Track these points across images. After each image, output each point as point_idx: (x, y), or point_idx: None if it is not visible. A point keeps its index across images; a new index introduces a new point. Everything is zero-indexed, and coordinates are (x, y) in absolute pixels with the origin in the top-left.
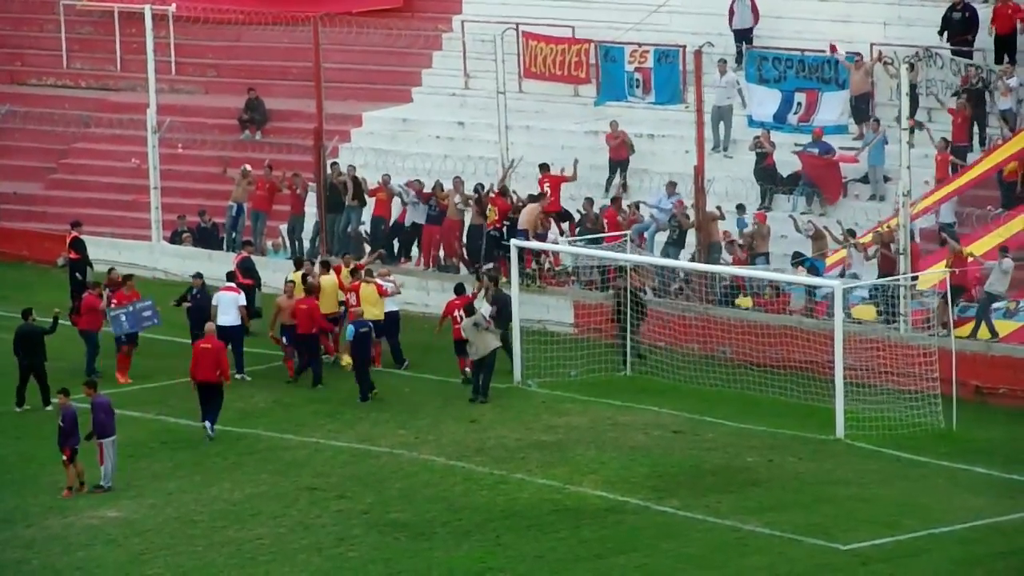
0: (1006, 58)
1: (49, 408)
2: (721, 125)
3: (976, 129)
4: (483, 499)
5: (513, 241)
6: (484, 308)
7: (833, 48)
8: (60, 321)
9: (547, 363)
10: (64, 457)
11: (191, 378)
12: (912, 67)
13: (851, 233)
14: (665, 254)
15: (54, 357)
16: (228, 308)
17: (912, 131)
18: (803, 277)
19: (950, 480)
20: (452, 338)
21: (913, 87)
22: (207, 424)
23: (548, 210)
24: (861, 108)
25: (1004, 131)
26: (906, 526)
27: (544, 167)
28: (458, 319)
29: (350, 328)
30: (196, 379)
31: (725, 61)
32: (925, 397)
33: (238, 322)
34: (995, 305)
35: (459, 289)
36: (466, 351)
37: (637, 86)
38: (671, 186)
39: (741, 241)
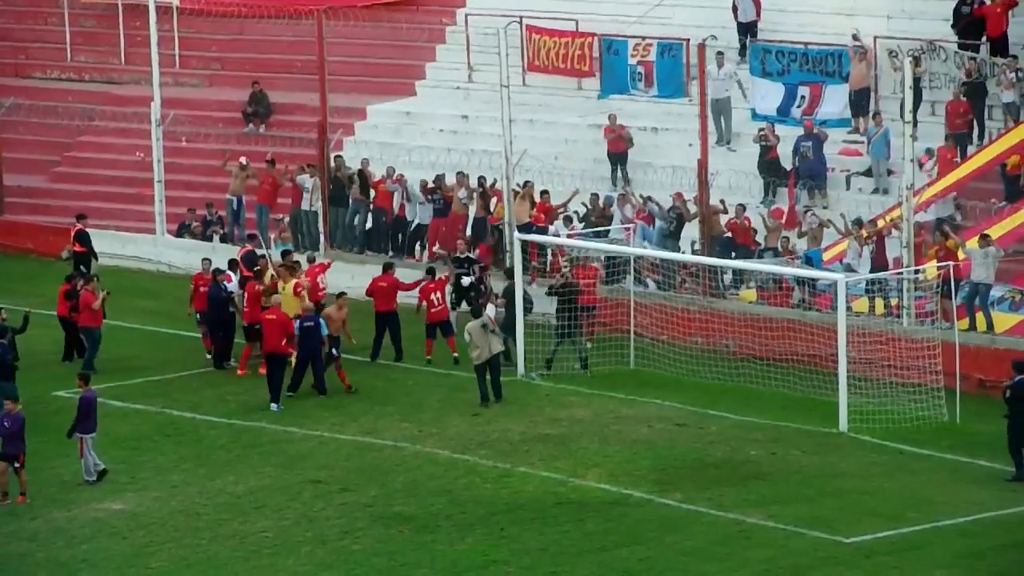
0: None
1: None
2: (721, 119)
3: (976, 122)
4: (487, 492)
5: (516, 235)
6: (490, 310)
7: (856, 39)
8: (34, 312)
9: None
10: (17, 464)
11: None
12: (917, 61)
13: (858, 223)
14: (662, 246)
15: (54, 351)
16: None
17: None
18: (806, 270)
19: (953, 473)
20: (426, 321)
21: (917, 80)
22: (276, 406)
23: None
24: (861, 103)
25: (1008, 123)
26: (910, 519)
27: (543, 193)
28: (435, 303)
29: (297, 323)
30: (263, 351)
31: (722, 54)
32: (928, 390)
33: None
34: (999, 296)
35: (431, 272)
36: (434, 334)
37: (639, 79)
38: (679, 195)
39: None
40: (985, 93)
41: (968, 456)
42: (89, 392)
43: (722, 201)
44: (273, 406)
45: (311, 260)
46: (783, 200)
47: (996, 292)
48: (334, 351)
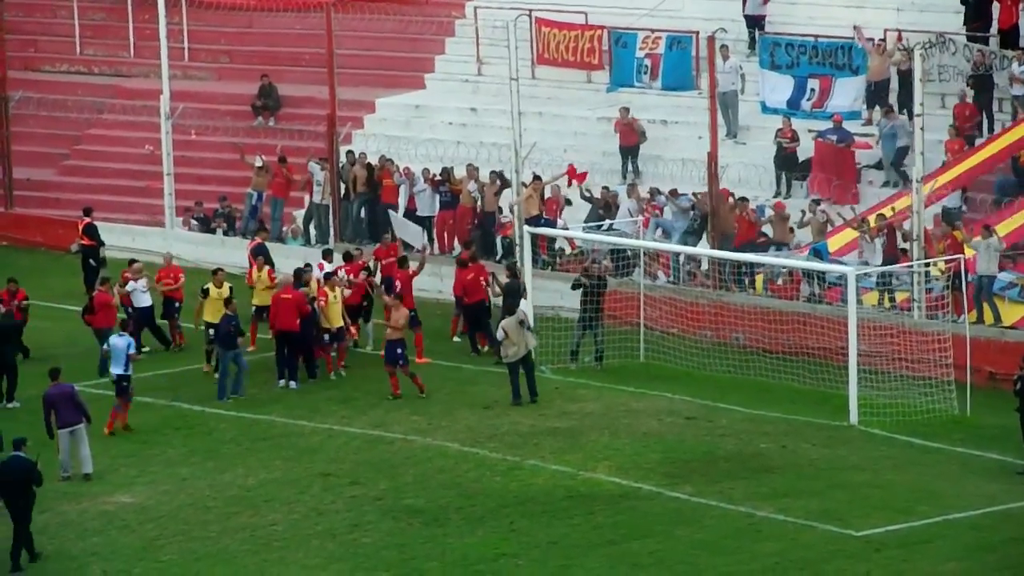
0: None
1: (11, 405)
2: (729, 111)
3: (984, 115)
4: (497, 485)
5: (526, 228)
6: (524, 306)
7: (858, 33)
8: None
9: (561, 349)
10: None
11: (271, 329)
12: (926, 58)
13: (862, 221)
14: (684, 243)
15: (63, 343)
16: None
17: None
18: (816, 263)
19: (963, 466)
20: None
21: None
22: (290, 383)
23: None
24: (880, 94)
25: (1018, 116)
26: (919, 512)
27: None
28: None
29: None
30: (276, 329)
31: (726, 46)
32: (939, 383)
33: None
34: (1008, 282)
35: (347, 256)
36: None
37: (645, 72)
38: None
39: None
40: (992, 85)
41: (978, 449)
42: (55, 387)
43: (732, 195)
44: (292, 383)
45: (168, 260)
46: (796, 193)
47: (1003, 278)
48: (399, 351)
